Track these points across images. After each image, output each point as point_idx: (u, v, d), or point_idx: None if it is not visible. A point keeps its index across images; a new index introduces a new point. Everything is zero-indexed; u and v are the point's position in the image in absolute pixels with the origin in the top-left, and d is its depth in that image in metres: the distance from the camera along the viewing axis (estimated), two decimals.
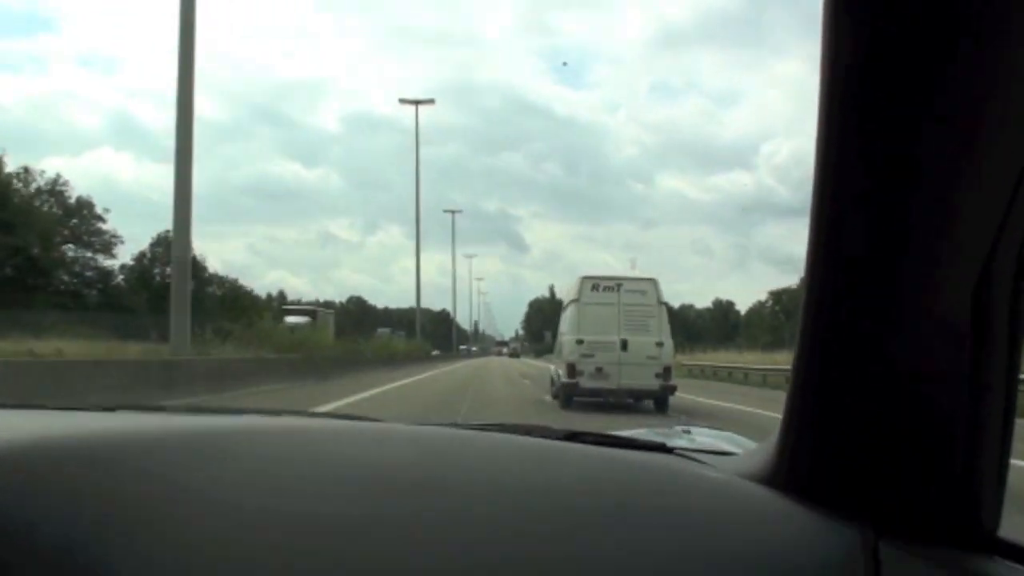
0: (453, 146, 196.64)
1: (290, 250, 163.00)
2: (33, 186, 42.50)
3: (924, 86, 0.54)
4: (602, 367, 12.52)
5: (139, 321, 24.56)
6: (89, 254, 42.30)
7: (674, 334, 13.26)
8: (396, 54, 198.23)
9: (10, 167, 38.93)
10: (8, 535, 0.53)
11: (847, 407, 0.64)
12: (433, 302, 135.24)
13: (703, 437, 1.22)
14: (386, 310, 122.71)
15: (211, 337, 18.00)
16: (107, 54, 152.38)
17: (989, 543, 0.63)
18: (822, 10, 0.56)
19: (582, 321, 12.80)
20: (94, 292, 41.63)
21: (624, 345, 12.51)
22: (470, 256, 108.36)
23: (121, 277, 45.31)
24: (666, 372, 12.52)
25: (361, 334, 47.20)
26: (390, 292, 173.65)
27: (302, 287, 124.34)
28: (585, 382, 12.56)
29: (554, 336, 16.14)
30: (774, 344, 43.56)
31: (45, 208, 41.93)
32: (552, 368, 15.80)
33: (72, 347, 15.92)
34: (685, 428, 1.32)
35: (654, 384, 12.49)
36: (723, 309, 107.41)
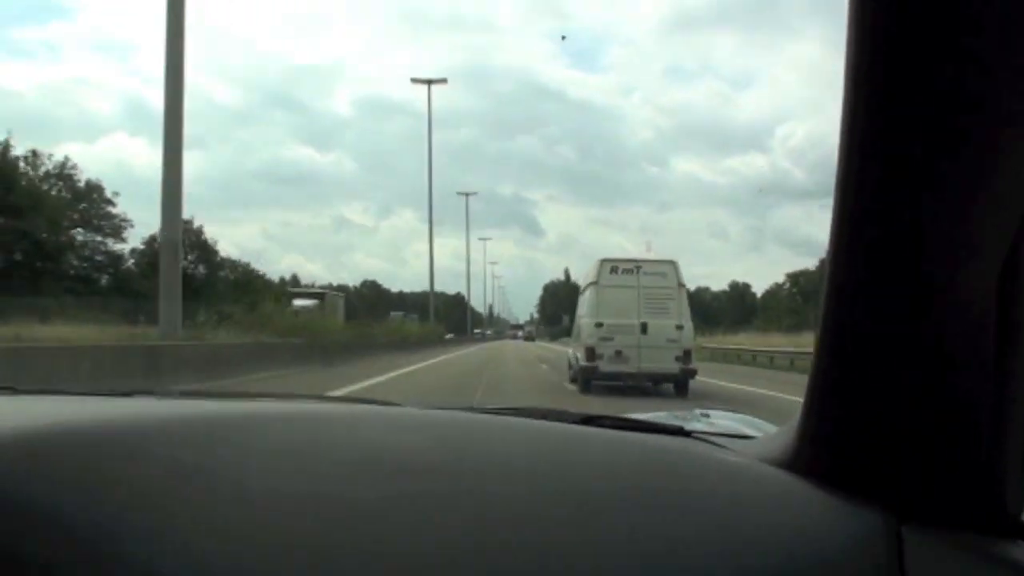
0: (467, 130, 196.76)
1: (304, 235, 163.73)
2: (42, 170, 42.10)
3: (952, 71, 0.53)
4: (621, 350, 12.41)
5: (149, 306, 23.93)
6: (99, 238, 41.63)
7: (692, 317, 13.16)
8: (409, 38, 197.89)
9: (18, 151, 38.48)
10: (25, 520, 0.53)
11: (870, 391, 0.63)
12: (448, 286, 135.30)
13: (722, 420, 1.22)
14: (400, 294, 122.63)
15: (208, 321, 17.15)
16: (121, 40, 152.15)
17: (1014, 528, 0.62)
18: None
19: (601, 304, 12.66)
20: (104, 276, 41.20)
21: (644, 328, 12.39)
22: (484, 239, 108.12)
23: (132, 261, 44.80)
24: (686, 355, 12.41)
25: (375, 318, 46.42)
26: (405, 276, 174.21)
27: (317, 272, 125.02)
28: (604, 366, 12.45)
29: (572, 319, 16.08)
30: (796, 326, 42.72)
31: (54, 192, 41.46)
32: (570, 351, 15.63)
33: (76, 332, 15.49)
34: (704, 411, 1.31)
35: (674, 367, 12.37)
36: (739, 291, 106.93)
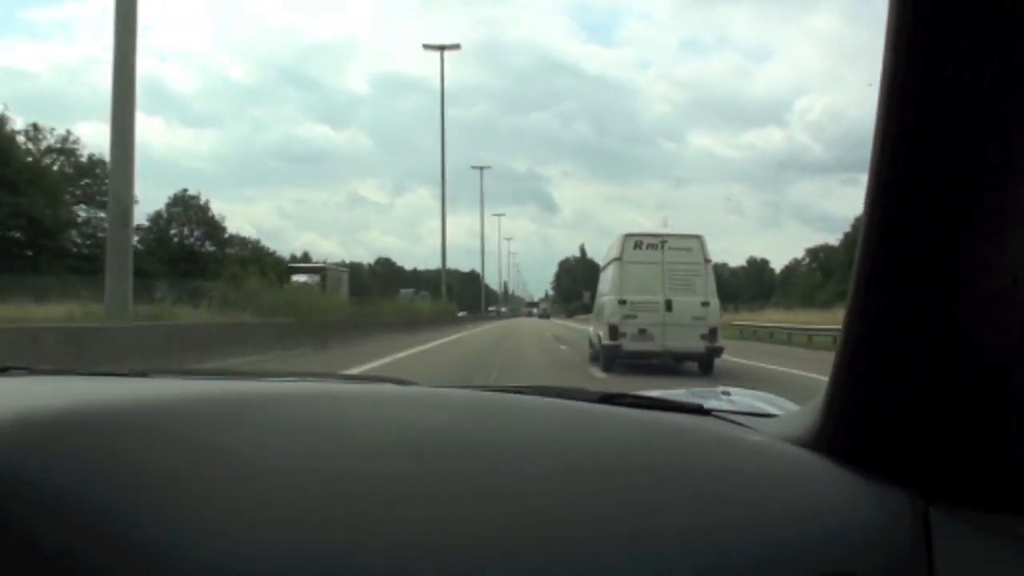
0: (482, 106, 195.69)
1: (319, 212, 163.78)
2: (43, 144, 41.16)
3: (993, 50, 0.52)
4: (645, 328, 12.04)
5: (149, 283, 22.76)
6: (102, 214, 40.54)
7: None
8: (424, 14, 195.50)
9: (18, 124, 37.44)
10: (41, 502, 0.52)
11: (897, 371, 0.62)
12: (462, 263, 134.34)
13: (742, 398, 1.19)
14: (415, 271, 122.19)
15: (165, 298, 15.57)
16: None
17: None
18: None
19: (624, 281, 12.25)
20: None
21: (668, 305, 12.03)
22: (498, 215, 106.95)
23: (136, 239, 43.85)
24: (712, 333, 12.02)
25: (387, 295, 45.10)
26: (419, 253, 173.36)
27: (332, 249, 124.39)
28: (628, 344, 12.07)
29: (593, 296, 15.39)
30: (827, 303, 41.43)
31: (56, 167, 40.49)
32: (591, 330, 14.99)
33: (55, 312, 14.32)
34: (724, 390, 1.28)
35: (700, 346, 11.99)
36: (758, 267, 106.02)
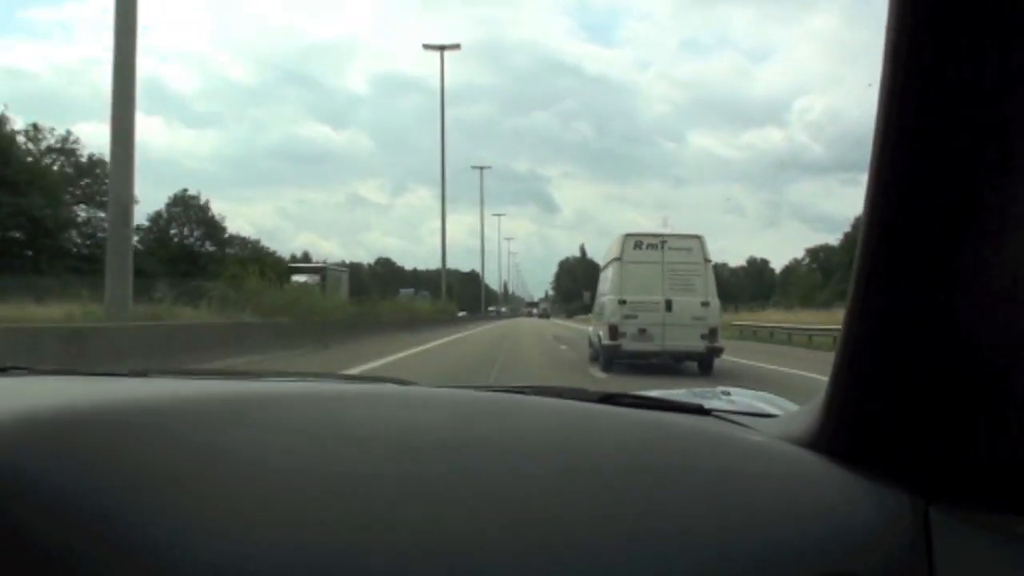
0: (482, 106, 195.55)
1: (319, 213, 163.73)
2: (43, 144, 41.12)
3: (993, 50, 0.52)
4: (645, 328, 12.01)
5: (149, 283, 22.68)
6: (102, 214, 40.48)
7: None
8: (424, 14, 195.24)
9: (18, 125, 37.40)
10: (40, 501, 0.52)
11: (898, 369, 0.62)
12: (462, 264, 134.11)
13: (742, 398, 1.19)
14: (415, 271, 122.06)
15: (165, 298, 15.44)
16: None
17: None
18: None
19: (624, 280, 12.24)
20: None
21: (668, 305, 12.00)
22: (499, 215, 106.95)
23: (136, 239, 43.81)
24: (712, 333, 12.02)
25: (387, 296, 44.99)
26: (419, 254, 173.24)
27: (332, 249, 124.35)
28: (628, 344, 12.05)
29: (593, 296, 15.35)
30: (827, 303, 41.41)
31: (56, 167, 40.45)
32: (591, 329, 14.97)
33: (54, 312, 14.25)
34: (724, 390, 1.28)
35: (700, 346, 11.97)
36: (758, 267, 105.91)
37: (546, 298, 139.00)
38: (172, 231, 50.70)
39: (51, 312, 14.35)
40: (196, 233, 51.21)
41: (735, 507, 0.60)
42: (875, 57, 0.56)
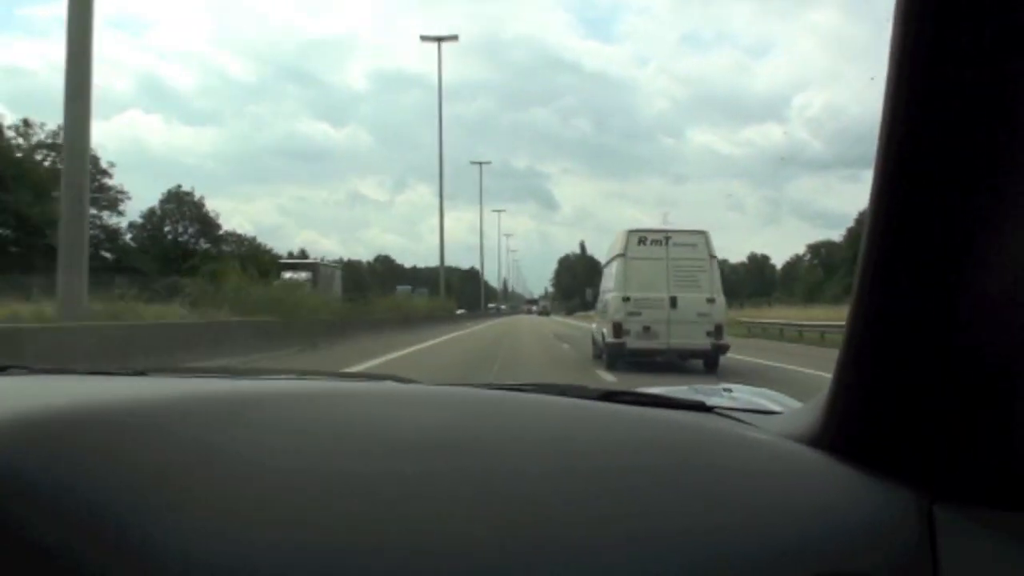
0: (481, 102, 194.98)
1: (319, 210, 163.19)
2: (34, 139, 40.44)
3: (997, 48, 0.52)
4: (650, 326, 11.80)
5: (142, 280, 21.95)
6: (94, 211, 39.82)
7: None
8: (423, 10, 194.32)
9: (10, 120, 36.70)
10: (39, 501, 0.53)
11: (902, 367, 0.62)
12: (462, 261, 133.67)
13: (744, 395, 1.19)
14: (414, 269, 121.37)
15: (125, 295, 14.35)
16: (135, 15, 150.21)
17: None
18: None
19: (628, 277, 12.00)
20: (102, 252, 39.38)
21: (673, 302, 11.78)
22: (498, 211, 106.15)
23: (129, 235, 43.12)
24: (717, 330, 11.80)
25: (385, 293, 44.17)
26: (419, 251, 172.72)
27: (332, 247, 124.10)
28: (632, 342, 11.83)
29: (595, 293, 14.87)
30: (834, 299, 40.78)
31: (46, 163, 39.71)
32: (594, 327, 14.66)
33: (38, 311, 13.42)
34: (726, 387, 1.26)
35: (705, 343, 11.78)
36: (759, 264, 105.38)
37: (546, 295, 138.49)
38: (166, 228, 50.02)
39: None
40: (190, 230, 50.52)
41: (737, 505, 0.59)
42: (875, 52, 0.54)
